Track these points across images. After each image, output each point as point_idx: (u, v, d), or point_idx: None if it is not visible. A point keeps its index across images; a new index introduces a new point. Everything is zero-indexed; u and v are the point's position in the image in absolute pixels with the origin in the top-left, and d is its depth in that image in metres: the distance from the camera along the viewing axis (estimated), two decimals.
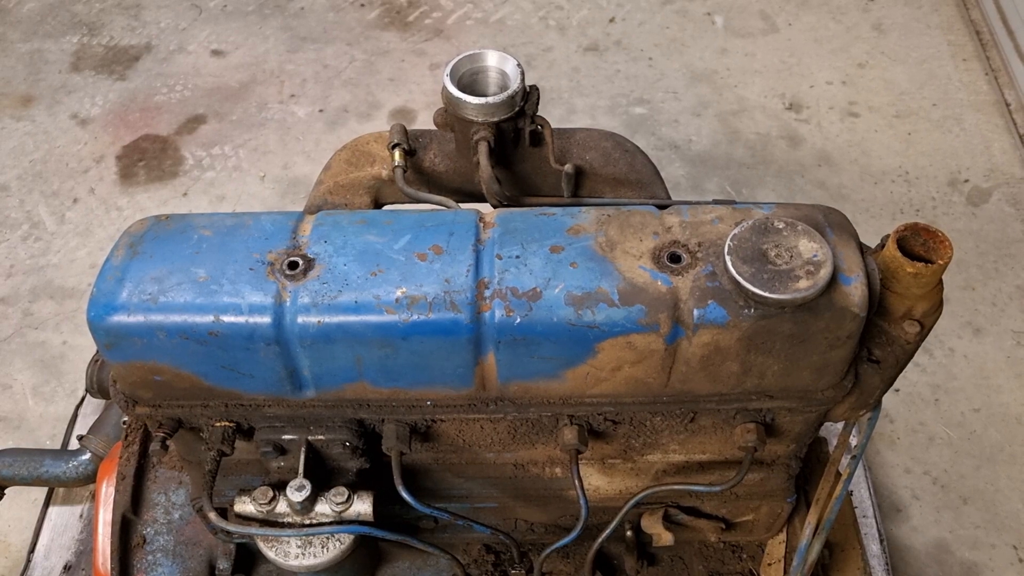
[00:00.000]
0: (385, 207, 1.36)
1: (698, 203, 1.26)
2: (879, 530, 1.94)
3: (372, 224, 1.09)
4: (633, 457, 1.23)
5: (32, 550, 1.89)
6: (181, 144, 3.20)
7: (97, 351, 2.27)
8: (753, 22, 3.62)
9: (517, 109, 1.21)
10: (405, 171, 1.25)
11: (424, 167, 1.31)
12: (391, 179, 1.28)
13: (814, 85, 3.40)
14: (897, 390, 2.63)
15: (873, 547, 1.88)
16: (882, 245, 1.17)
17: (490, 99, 1.18)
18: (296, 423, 1.13)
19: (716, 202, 1.26)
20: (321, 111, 3.29)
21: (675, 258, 1.04)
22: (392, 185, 1.30)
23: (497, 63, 1.23)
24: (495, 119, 1.20)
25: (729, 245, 1.00)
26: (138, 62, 3.49)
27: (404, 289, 1.01)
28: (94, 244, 2.91)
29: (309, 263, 1.04)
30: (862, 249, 1.08)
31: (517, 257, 1.04)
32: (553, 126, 1.28)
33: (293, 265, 1.04)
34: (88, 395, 2.19)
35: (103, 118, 3.28)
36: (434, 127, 1.31)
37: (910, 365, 2.70)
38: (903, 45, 3.54)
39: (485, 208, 1.18)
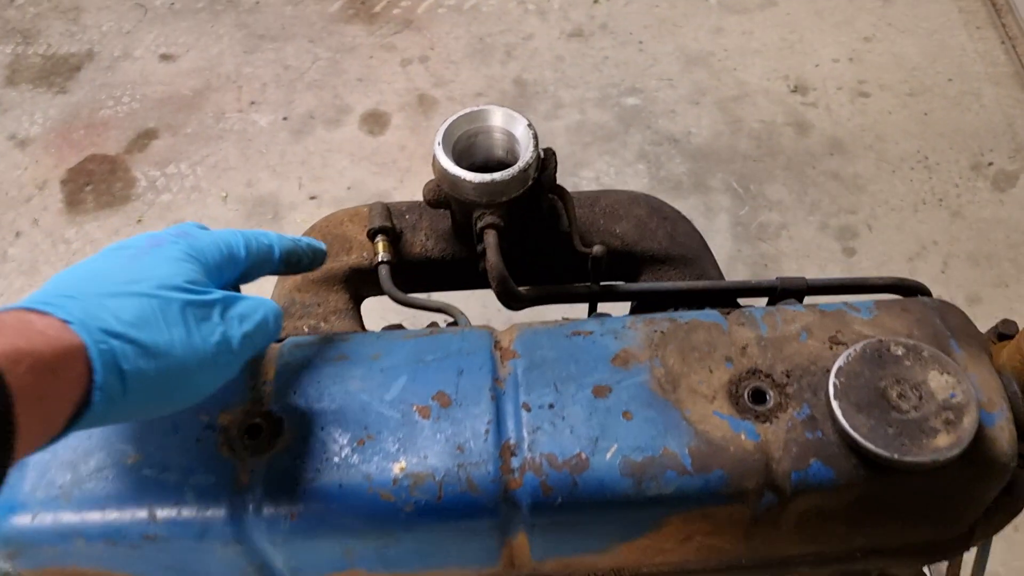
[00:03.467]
0: (369, 298, 1.09)
1: (761, 286, 1.01)
2: None
3: (355, 361, 0.83)
4: None
5: None
6: (132, 164, 2.90)
7: None
8: None
9: (531, 183, 0.94)
10: (392, 266, 0.98)
11: (414, 252, 1.04)
12: (373, 267, 1.01)
13: (819, 64, 3.14)
14: None
15: None
16: (999, 334, 0.92)
17: (497, 176, 0.92)
18: None
19: (782, 284, 1.01)
20: (285, 119, 3.00)
21: (759, 396, 0.79)
22: (375, 275, 1.03)
23: (503, 123, 0.97)
24: (504, 199, 0.93)
25: (835, 384, 0.75)
26: (80, 72, 3.17)
27: (403, 464, 0.76)
28: (40, 283, 2.62)
29: (274, 427, 0.78)
30: (993, 360, 0.84)
31: (551, 407, 0.78)
32: (551, 144, 1.02)
33: (253, 431, 0.78)
34: None
35: (44, 138, 2.97)
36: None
37: None
38: (911, 14, 3.28)
39: (493, 309, 0.92)
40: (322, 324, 1.04)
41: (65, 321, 0.59)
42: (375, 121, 2.97)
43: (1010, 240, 2.69)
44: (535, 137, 0.95)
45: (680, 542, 0.81)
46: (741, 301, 1.07)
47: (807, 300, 1.04)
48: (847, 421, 0.73)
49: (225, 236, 0.78)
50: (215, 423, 0.79)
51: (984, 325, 2.66)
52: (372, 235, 1.00)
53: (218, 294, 0.71)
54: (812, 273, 2.63)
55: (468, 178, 0.92)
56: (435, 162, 0.95)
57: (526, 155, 0.93)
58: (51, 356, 0.56)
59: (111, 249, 0.72)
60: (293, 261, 0.85)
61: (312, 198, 2.77)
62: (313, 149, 2.90)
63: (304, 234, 1.08)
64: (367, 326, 1.08)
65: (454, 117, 0.96)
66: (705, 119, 3.00)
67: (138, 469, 0.76)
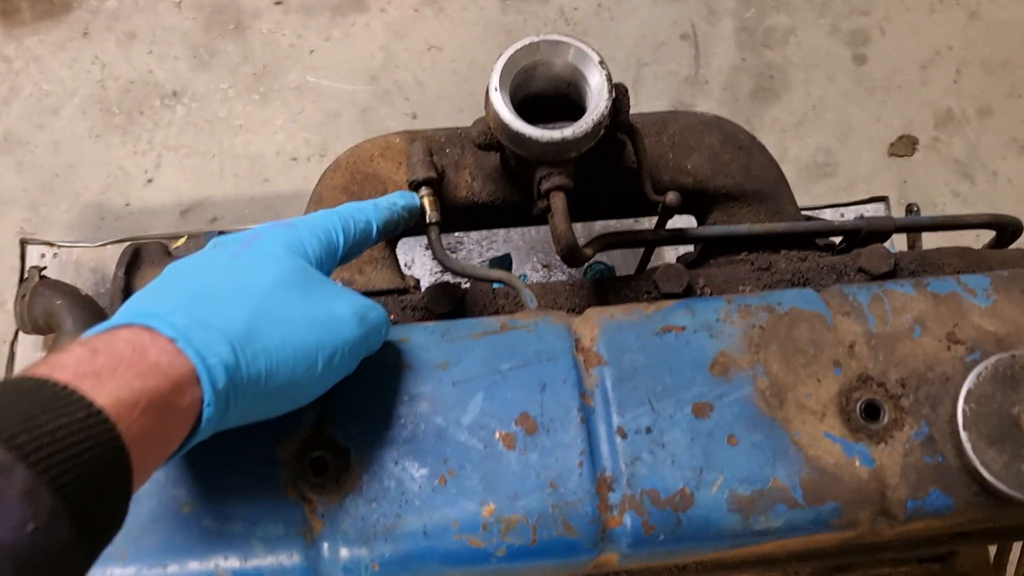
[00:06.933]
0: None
1: (845, 228, 0.91)
2: None
3: (421, 371, 0.74)
4: None
5: None
6: None
7: (23, 284, 1.90)
8: None
9: (603, 133, 0.81)
10: (441, 227, 0.86)
11: (460, 197, 0.91)
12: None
13: None
14: None
15: None
16: None
17: (568, 134, 0.78)
18: None
19: (868, 226, 0.92)
20: None
21: (873, 412, 0.72)
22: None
23: (571, 60, 0.81)
24: (573, 155, 0.80)
25: (964, 411, 0.69)
26: None
27: (492, 506, 0.69)
28: None
29: (342, 460, 0.70)
30: None
31: (648, 431, 0.71)
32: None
33: (319, 466, 0.70)
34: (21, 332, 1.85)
35: None
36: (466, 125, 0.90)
37: (948, 195, 2.43)
38: None
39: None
40: (357, 276, 0.93)
41: (174, 339, 0.56)
42: None
43: None
44: (609, 79, 0.80)
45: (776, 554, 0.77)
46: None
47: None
48: (977, 457, 0.67)
49: (322, 222, 0.72)
50: (274, 457, 0.71)
51: (994, 139, 2.57)
52: (415, 187, 0.86)
53: (329, 291, 0.67)
54: (819, 83, 2.49)
55: (534, 136, 0.78)
56: (489, 107, 0.81)
57: (600, 104, 0.79)
58: (167, 390, 0.54)
59: (211, 248, 0.69)
60: (390, 229, 0.80)
61: (278, 3, 2.49)
62: None
63: (328, 170, 0.94)
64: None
65: (512, 51, 0.81)
66: None
67: (196, 519, 0.68)
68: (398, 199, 0.80)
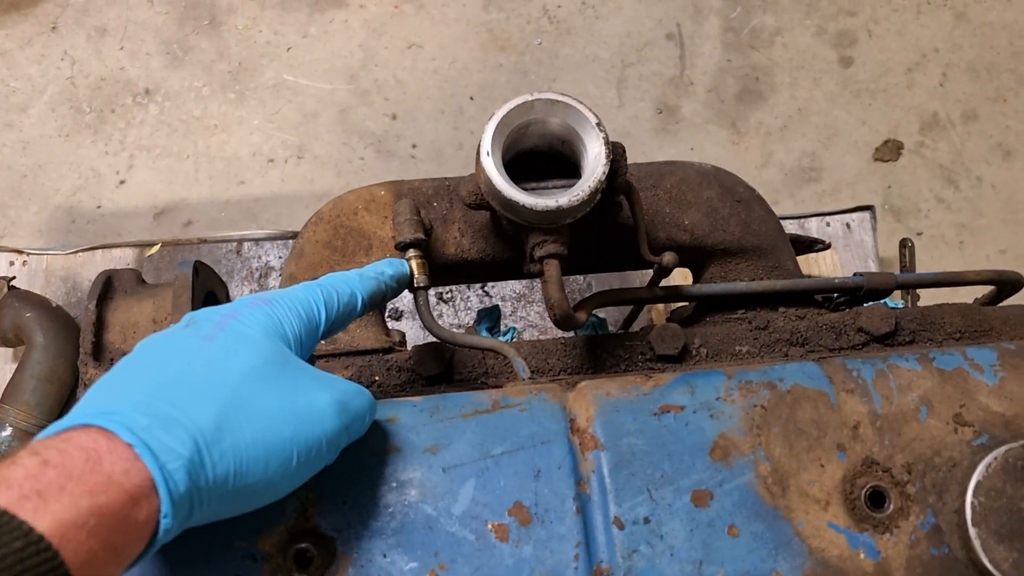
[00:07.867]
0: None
1: (845, 286, 0.89)
2: None
3: (409, 455, 0.70)
4: None
5: None
6: None
7: None
8: None
9: (600, 197, 0.77)
10: (428, 288, 0.82)
11: (448, 254, 0.88)
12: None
13: None
14: (920, 233, 2.37)
15: None
16: None
17: (564, 203, 0.74)
18: None
19: (868, 284, 0.89)
20: None
21: (878, 500, 0.70)
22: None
23: (568, 121, 0.78)
24: (568, 220, 0.77)
25: (972, 504, 0.67)
26: None
27: None
28: None
29: (327, 552, 0.67)
30: None
31: (647, 521, 0.68)
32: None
33: (303, 559, 0.67)
34: None
35: None
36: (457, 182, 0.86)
37: (932, 201, 2.42)
38: None
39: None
40: (341, 334, 0.89)
41: (131, 445, 0.52)
42: None
43: (1014, 47, 2.52)
44: (607, 142, 0.76)
45: None
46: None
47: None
48: (986, 554, 0.65)
49: (303, 297, 0.68)
50: (255, 550, 0.67)
51: (979, 143, 2.55)
52: (403, 248, 0.83)
53: (309, 379, 0.63)
54: (805, 86, 2.47)
55: (528, 203, 0.75)
56: (481, 171, 0.77)
57: (597, 170, 0.76)
58: (120, 505, 0.51)
59: (183, 326, 0.64)
60: (376, 301, 0.76)
61: None
62: None
63: (310, 223, 0.90)
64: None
65: (506, 110, 0.77)
66: None
67: None
68: (386, 268, 0.77)
